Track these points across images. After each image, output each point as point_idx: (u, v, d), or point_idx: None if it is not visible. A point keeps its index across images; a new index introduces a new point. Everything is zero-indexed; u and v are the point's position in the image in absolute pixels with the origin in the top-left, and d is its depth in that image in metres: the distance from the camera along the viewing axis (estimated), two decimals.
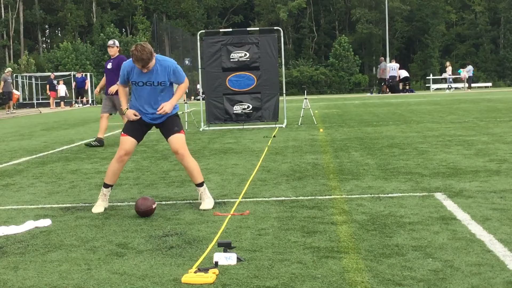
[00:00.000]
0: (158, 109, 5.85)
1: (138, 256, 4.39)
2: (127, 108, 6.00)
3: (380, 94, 37.40)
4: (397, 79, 37.71)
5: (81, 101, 38.69)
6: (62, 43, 53.57)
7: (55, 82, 37.59)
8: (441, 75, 47.41)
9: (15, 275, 4.06)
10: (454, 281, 3.62)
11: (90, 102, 39.96)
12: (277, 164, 8.73)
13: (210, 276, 3.78)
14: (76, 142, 13.44)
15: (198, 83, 26.50)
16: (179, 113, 6.17)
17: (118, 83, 6.24)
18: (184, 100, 17.09)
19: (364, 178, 7.26)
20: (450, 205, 5.62)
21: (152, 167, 8.93)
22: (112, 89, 11.67)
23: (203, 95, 17.72)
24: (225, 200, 6.30)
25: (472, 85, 41.82)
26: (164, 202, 6.29)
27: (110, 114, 12.32)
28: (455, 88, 42.04)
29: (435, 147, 9.92)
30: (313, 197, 6.25)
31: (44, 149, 12.20)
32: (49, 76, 39.13)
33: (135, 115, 5.92)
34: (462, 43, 63.79)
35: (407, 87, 39.06)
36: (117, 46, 12.11)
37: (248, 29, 19.64)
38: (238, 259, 4.13)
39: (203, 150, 10.84)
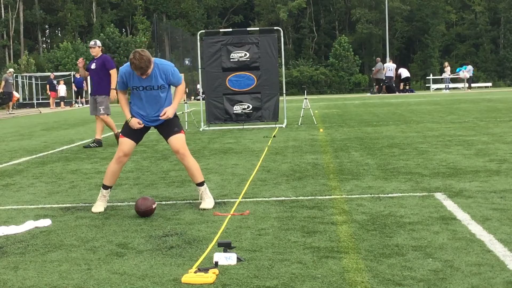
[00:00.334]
0: (160, 115, 5.90)
1: (138, 256, 4.39)
2: (131, 117, 5.99)
3: (373, 94, 37.36)
4: (394, 79, 37.74)
5: (81, 101, 38.69)
6: (62, 43, 53.56)
7: (55, 82, 37.59)
8: (441, 75, 47.40)
9: (15, 275, 4.06)
10: (454, 281, 3.62)
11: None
12: (277, 164, 8.73)
13: (210, 276, 3.78)
14: (76, 142, 13.45)
15: (198, 83, 26.48)
16: (178, 113, 6.17)
17: (117, 89, 6.18)
18: (184, 100, 17.09)
19: (364, 178, 7.26)
20: (450, 205, 5.62)
21: (152, 167, 8.93)
22: (112, 96, 11.75)
23: (203, 95, 17.73)
24: (225, 200, 6.30)
25: (472, 85, 41.79)
26: (164, 202, 6.29)
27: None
28: (454, 88, 42.02)
29: (435, 147, 9.92)
30: (313, 197, 6.25)
31: (44, 149, 12.21)
32: (49, 76, 39.12)
33: (139, 124, 5.95)
34: (462, 43, 63.81)
35: (407, 87, 39.07)
36: (98, 46, 12.17)
37: (248, 29, 19.63)
38: (238, 259, 4.13)
39: (203, 150, 10.84)
